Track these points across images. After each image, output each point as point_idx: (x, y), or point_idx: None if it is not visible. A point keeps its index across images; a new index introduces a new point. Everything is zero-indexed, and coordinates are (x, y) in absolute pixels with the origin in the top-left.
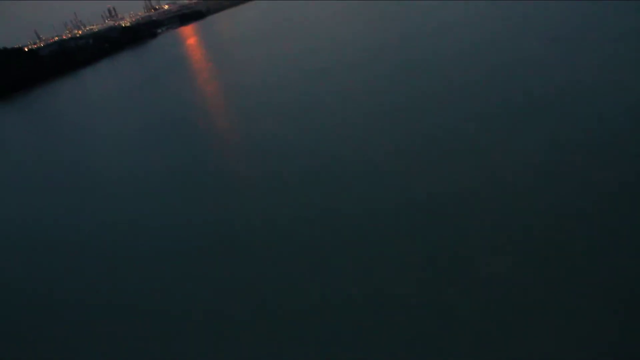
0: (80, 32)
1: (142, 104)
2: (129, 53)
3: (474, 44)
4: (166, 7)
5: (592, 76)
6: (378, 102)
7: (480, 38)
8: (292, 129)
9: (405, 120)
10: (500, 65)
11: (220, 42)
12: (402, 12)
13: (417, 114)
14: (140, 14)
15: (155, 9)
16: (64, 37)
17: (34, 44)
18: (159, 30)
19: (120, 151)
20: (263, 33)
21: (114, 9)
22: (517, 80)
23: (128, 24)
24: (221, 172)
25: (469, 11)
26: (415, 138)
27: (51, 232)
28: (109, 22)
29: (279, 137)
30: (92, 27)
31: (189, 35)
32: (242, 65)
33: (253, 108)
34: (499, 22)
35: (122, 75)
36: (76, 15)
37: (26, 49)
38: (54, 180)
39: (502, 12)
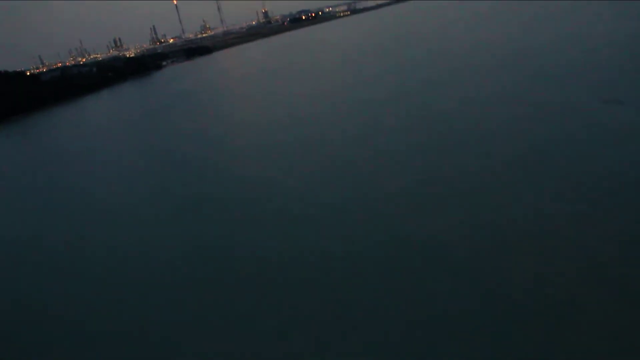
0: (84, 59)
1: (142, 133)
2: (132, 83)
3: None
4: (171, 40)
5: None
6: (376, 146)
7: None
8: (288, 167)
9: (407, 162)
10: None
11: (225, 79)
12: (404, 59)
13: (417, 156)
14: (145, 46)
15: (160, 42)
16: (67, 64)
17: (37, 69)
18: (164, 63)
19: (115, 178)
20: (267, 72)
21: (119, 39)
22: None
23: (132, 55)
24: (215, 203)
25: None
26: (419, 179)
27: (44, 256)
28: (114, 52)
29: (274, 175)
30: (96, 55)
31: (194, 69)
32: (245, 102)
33: (250, 145)
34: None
35: (123, 105)
36: (81, 44)
37: (28, 73)
38: (47, 204)
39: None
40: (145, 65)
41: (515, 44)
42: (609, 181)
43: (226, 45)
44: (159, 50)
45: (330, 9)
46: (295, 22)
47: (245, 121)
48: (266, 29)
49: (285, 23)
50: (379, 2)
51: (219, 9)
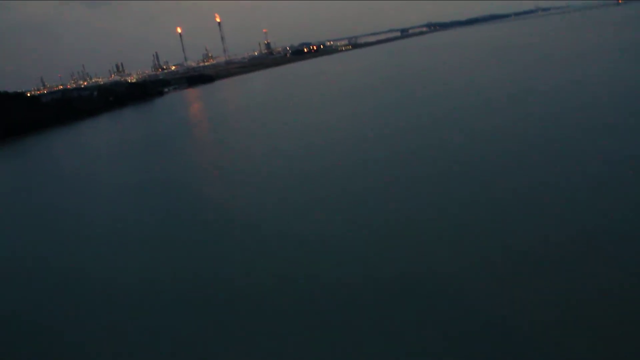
0: (85, 83)
1: (139, 158)
2: (133, 109)
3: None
4: (173, 68)
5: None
6: (370, 181)
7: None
8: (285, 197)
9: (402, 195)
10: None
11: (226, 108)
12: (401, 94)
13: (410, 190)
14: (147, 72)
15: (162, 69)
16: (69, 86)
17: (38, 90)
18: (166, 90)
19: (108, 202)
20: (269, 103)
21: (121, 64)
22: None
23: (134, 80)
24: (209, 232)
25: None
26: (414, 214)
27: (36, 276)
28: (116, 77)
29: (267, 205)
30: (98, 80)
31: (196, 98)
32: (243, 134)
33: (248, 174)
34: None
35: (122, 130)
36: (84, 68)
37: (29, 94)
38: (38, 225)
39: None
40: (146, 91)
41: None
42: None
43: (228, 74)
44: (161, 77)
45: (332, 42)
46: (298, 54)
47: (243, 151)
48: (268, 59)
49: (288, 55)
50: (380, 37)
51: (222, 38)
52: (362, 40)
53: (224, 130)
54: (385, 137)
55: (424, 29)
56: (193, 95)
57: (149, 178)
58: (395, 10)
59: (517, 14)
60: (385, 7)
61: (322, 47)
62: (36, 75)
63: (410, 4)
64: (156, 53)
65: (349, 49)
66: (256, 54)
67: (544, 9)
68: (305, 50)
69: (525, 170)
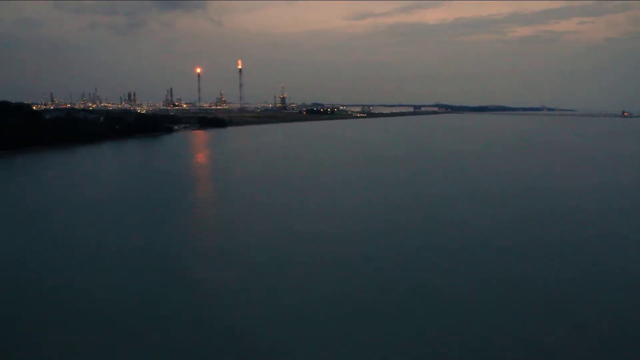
0: (94, 106)
1: (125, 213)
2: (138, 142)
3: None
4: (185, 106)
5: None
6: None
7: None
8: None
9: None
10: None
11: (235, 167)
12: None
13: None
14: (158, 105)
15: (174, 105)
16: (77, 106)
17: (45, 104)
18: (176, 127)
19: (89, 227)
20: (282, 166)
21: (134, 93)
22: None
23: (144, 111)
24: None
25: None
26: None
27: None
28: (126, 105)
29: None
30: (107, 105)
31: (205, 142)
32: (249, 213)
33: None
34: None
35: (119, 165)
36: (96, 91)
37: (34, 107)
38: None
39: None
40: (156, 124)
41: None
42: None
43: (242, 122)
44: (172, 113)
45: (344, 107)
46: (313, 113)
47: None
48: (282, 114)
49: (304, 112)
50: (393, 110)
51: (241, 85)
52: (375, 110)
53: (227, 201)
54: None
55: (436, 109)
56: (203, 138)
57: (128, 244)
58: (408, 86)
59: (523, 109)
60: (398, 82)
61: (335, 110)
62: (46, 89)
63: (423, 83)
64: (170, 89)
65: (364, 117)
66: (270, 106)
67: (549, 109)
68: (321, 110)
69: None
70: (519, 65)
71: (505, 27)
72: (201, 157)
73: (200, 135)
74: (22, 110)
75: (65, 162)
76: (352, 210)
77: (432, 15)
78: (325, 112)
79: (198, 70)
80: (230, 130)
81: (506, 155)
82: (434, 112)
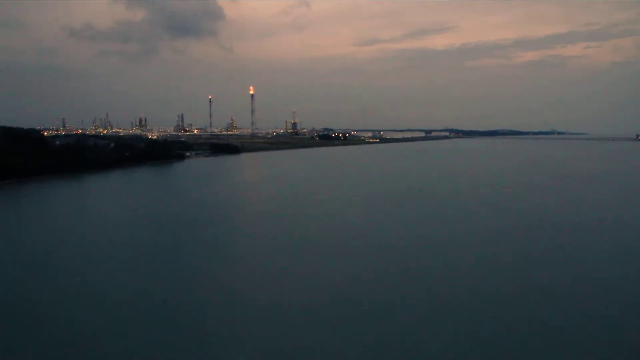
0: (105, 131)
1: (128, 255)
2: (149, 169)
3: None
4: (196, 131)
5: None
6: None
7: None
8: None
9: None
10: None
11: (251, 192)
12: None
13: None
14: (169, 130)
15: (185, 131)
16: (88, 132)
17: (57, 130)
18: (188, 154)
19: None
20: (301, 197)
21: (144, 119)
22: None
23: (155, 137)
24: None
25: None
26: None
27: None
28: (137, 130)
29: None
30: (118, 130)
31: (218, 171)
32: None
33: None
34: None
35: (128, 195)
36: (107, 116)
37: (45, 133)
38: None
39: None
40: (167, 151)
41: None
42: None
43: (254, 148)
44: (183, 139)
45: (356, 132)
46: (326, 138)
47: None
48: (295, 139)
49: (316, 138)
50: (405, 135)
51: (252, 111)
52: (387, 135)
53: (243, 221)
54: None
55: (447, 134)
56: (215, 165)
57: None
58: (417, 111)
59: (534, 133)
60: (407, 106)
61: (347, 135)
62: (59, 115)
63: (432, 108)
64: (181, 114)
65: (376, 142)
66: (282, 131)
67: (559, 133)
68: (333, 135)
69: None
70: (526, 90)
71: (511, 52)
72: (214, 188)
73: (212, 163)
74: (29, 137)
75: (71, 191)
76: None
77: (439, 41)
78: (337, 137)
79: (210, 96)
80: (244, 157)
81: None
82: (446, 137)
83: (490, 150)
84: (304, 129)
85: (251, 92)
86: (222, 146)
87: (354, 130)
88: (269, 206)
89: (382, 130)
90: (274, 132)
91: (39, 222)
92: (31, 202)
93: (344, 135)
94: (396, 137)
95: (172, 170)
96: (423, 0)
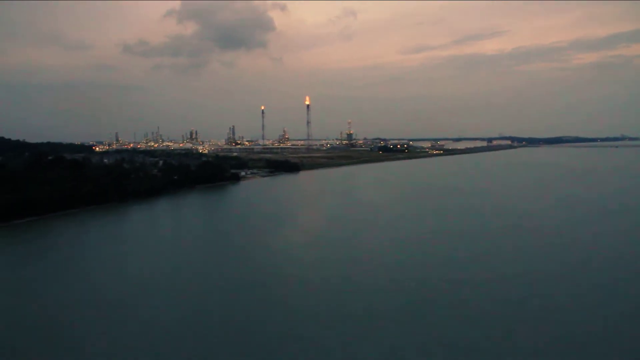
0: (156, 145)
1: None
2: (200, 196)
3: None
4: (247, 144)
5: None
6: None
7: None
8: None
9: None
10: None
11: (327, 231)
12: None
13: None
14: (220, 144)
15: (236, 143)
16: (139, 146)
17: (108, 145)
18: (242, 173)
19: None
20: (393, 241)
21: (195, 132)
22: None
23: (206, 151)
24: None
25: None
26: None
27: None
28: (187, 144)
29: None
30: (169, 144)
31: (283, 196)
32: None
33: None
34: None
35: (175, 225)
36: (158, 129)
37: (97, 149)
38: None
39: None
40: (220, 171)
41: None
42: None
43: (313, 165)
44: (235, 153)
45: (412, 142)
46: (386, 150)
47: None
48: (353, 152)
49: (377, 150)
50: (468, 145)
51: (308, 122)
52: (447, 145)
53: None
54: None
55: (509, 142)
56: (277, 189)
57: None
58: (471, 118)
59: (602, 140)
60: (459, 114)
61: (405, 146)
62: (113, 129)
63: (487, 115)
64: (232, 127)
65: (440, 154)
66: (337, 143)
67: (631, 138)
68: (391, 146)
69: None
70: (587, 93)
71: (568, 55)
72: (294, 237)
73: (272, 185)
74: (63, 161)
75: (101, 233)
76: None
77: (489, 46)
78: (397, 149)
79: (262, 107)
80: (305, 177)
81: None
82: (510, 147)
83: (587, 164)
84: (360, 139)
85: (307, 102)
86: (280, 163)
87: (410, 140)
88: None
89: (438, 140)
90: (327, 143)
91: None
92: (37, 249)
93: (403, 146)
94: (458, 147)
95: (228, 197)
96: (471, 0)
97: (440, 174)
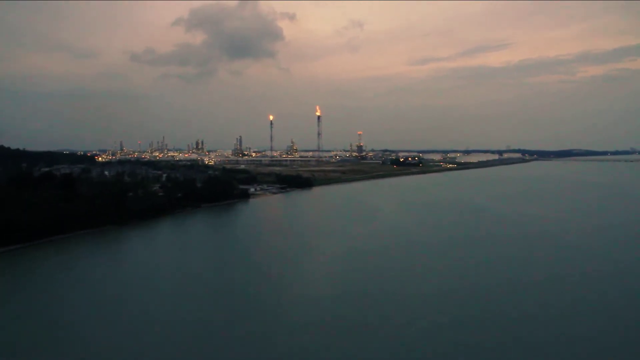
0: (160, 155)
1: None
2: (205, 217)
3: None
4: (254, 155)
5: None
6: None
7: None
8: None
9: None
10: None
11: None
12: None
13: None
14: (227, 154)
15: (243, 154)
16: (144, 155)
17: (112, 155)
18: (252, 190)
19: None
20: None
21: (201, 142)
22: None
23: (212, 163)
24: None
25: None
26: None
27: None
28: (193, 154)
29: None
30: (174, 154)
31: (293, 215)
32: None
33: None
34: None
35: (178, 250)
36: (163, 139)
37: (100, 158)
38: None
39: None
40: (228, 187)
41: None
42: None
43: (326, 179)
44: (242, 165)
45: (421, 155)
46: (399, 164)
47: None
48: (365, 165)
49: (390, 164)
50: (480, 158)
51: (319, 134)
52: (462, 159)
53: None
54: None
55: (519, 155)
56: (291, 209)
57: None
58: (478, 131)
59: (612, 153)
60: (467, 126)
61: (417, 159)
62: (119, 138)
63: (495, 127)
64: (240, 137)
65: (454, 168)
66: (347, 155)
67: None
68: (402, 160)
69: None
70: (593, 106)
71: (574, 67)
72: (296, 264)
73: (284, 203)
74: (53, 179)
75: (86, 264)
76: None
77: (496, 58)
78: (409, 162)
79: (271, 117)
80: (320, 194)
81: None
82: (522, 160)
83: (606, 179)
84: (370, 151)
85: (318, 113)
86: (291, 178)
87: (419, 152)
88: None
89: (447, 152)
90: (337, 155)
91: None
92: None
93: (415, 159)
94: (470, 160)
95: (238, 220)
96: (477, 13)
97: (472, 193)
